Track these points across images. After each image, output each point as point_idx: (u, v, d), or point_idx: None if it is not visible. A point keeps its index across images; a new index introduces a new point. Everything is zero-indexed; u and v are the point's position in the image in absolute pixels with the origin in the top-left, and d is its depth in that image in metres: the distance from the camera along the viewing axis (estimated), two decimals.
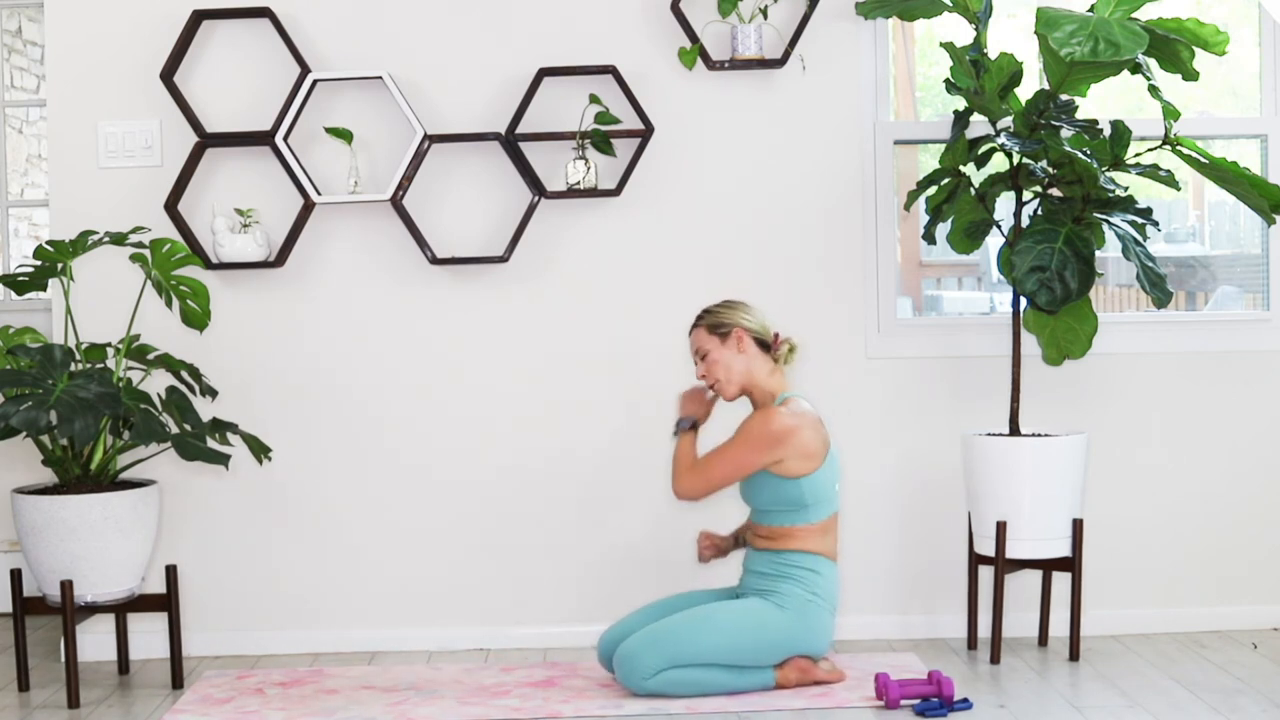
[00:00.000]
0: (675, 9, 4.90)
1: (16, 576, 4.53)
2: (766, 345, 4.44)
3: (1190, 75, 4.55)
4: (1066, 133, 4.64)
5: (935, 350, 5.05)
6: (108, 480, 4.54)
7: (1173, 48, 4.48)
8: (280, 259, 4.92)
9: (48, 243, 4.60)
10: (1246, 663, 4.63)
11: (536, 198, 4.92)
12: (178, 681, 4.59)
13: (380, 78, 4.88)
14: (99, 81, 4.96)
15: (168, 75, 4.89)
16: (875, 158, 5.02)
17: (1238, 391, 5.07)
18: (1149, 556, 5.07)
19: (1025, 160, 4.66)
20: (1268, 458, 5.08)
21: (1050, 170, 4.67)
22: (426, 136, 4.89)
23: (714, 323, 4.43)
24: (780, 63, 4.92)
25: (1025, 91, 4.74)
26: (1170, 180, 4.60)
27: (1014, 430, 4.75)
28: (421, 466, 5.02)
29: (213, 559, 5.01)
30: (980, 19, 4.64)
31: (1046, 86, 4.62)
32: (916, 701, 4.14)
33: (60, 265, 4.63)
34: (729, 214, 5.00)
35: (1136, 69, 4.53)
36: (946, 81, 4.76)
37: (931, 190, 4.83)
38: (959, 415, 5.00)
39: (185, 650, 4.94)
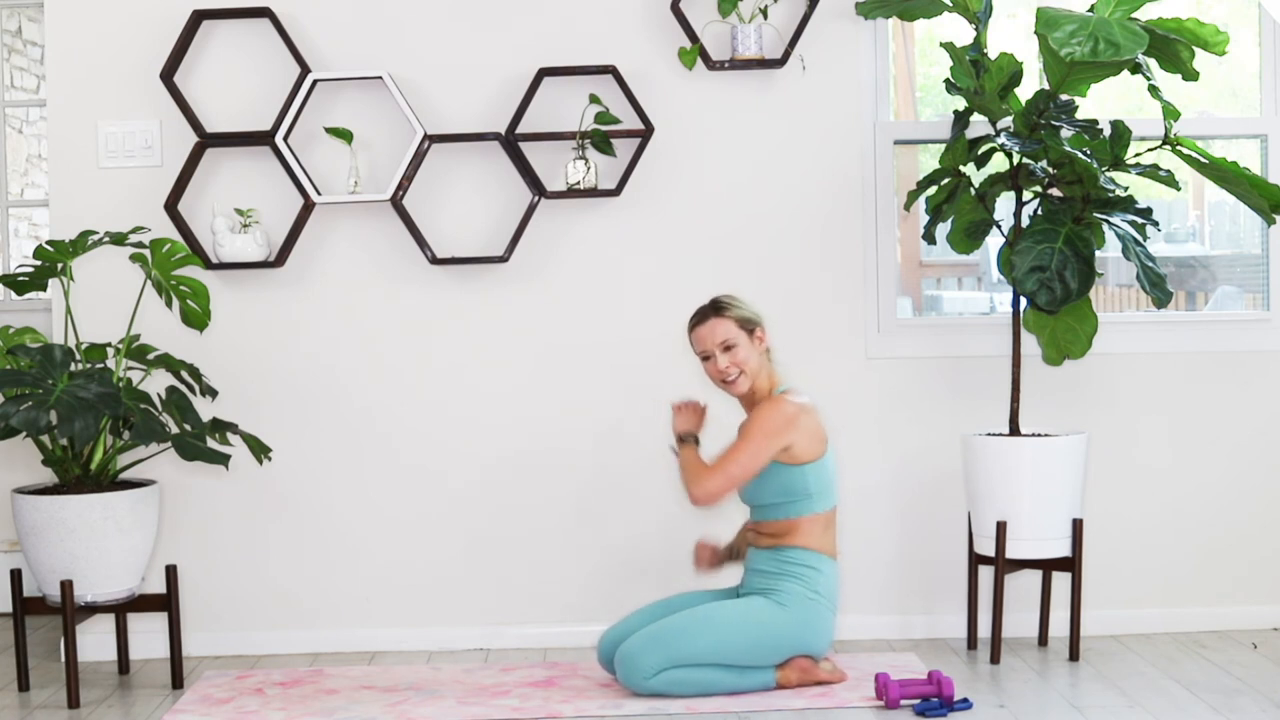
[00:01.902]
0: (675, 9, 4.90)
1: (16, 576, 4.53)
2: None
3: (1190, 75, 4.55)
4: (1066, 133, 4.64)
5: (935, 350, 5.05)
6: (108, 480, 4.54)
7: (1173, 48, 4.48)
8: (280, 259, 4.92)
9: (48, 243, 4.60)
10: (1246, 663, 4.63)
11: (536, 198, 4.92)
12: (178, 681, 4.59)
13: (380, 78, 4.88)
14: (99, 81, 4.96)
15: (168, 75, 4.89)
16: (875, 158, 5.02)
17: (1238, 391, 5.07)
18: (1149, 556, 5.07)
19: (1025, 160, 4.66)
20: (1267, 458, 5.08)
21: (1050, 170, 4.67)
22: (426, 136, 4.89)
23: (742, 316, 4.41)
24: (780, 63, 4.92)
25: (1025, 91, 4.74)
26: (1170, 180, 4.60)
27: (1014, 430, 4.75)
28: (421, 466, 5.02)
29: (213, 559, 5.01)
30: (980, 19, 4.64)
31: (1046, 86, 4.62)
32: (916, 701, 4.14)
33: (60, 265, 4.63)
34: (729, 214, 5.00)
35: (1136, 69, 4.53)
36: (946, 81, 4.76)
37: (931, 190, 4.83)
38: (959, 415, 5.00)
39: (185, 650, 4.94)
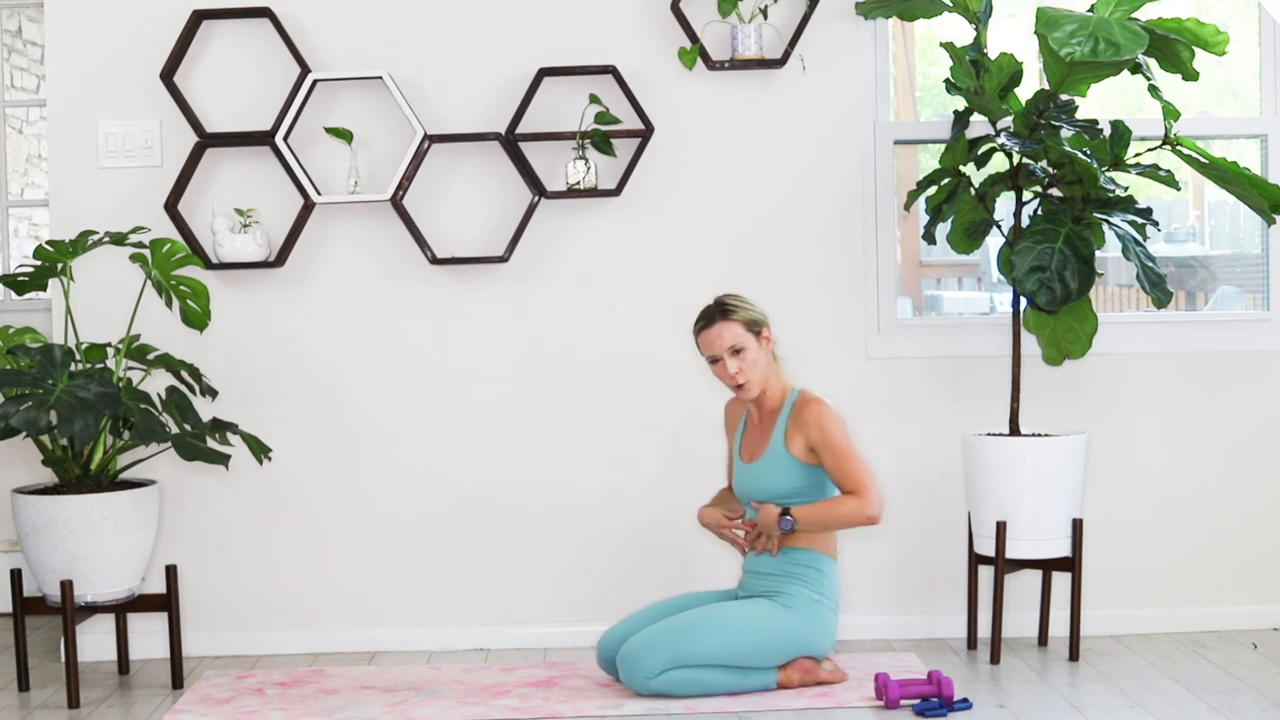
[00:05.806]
0: (675, 9, 4.90)
1: (16, 576, 4.53)
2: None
3: (1190, 75, 4.55)
4: (1066, 133, 4.64)
5: (935, 350, 5.05)
6: (108, 480, 4.54)
7: (1173, 48, 4.48)
8: (280, 259, 4.92)
9: (48, 243, 4.60)
10: (1246, 663, 4.63)
11: (536, 198, 4.92)
12: (178, 681, 4.59)
13: (380, 78, 4.88)
14: (99, 81, 4.96)
15: (168, 75, 4.89)
16: (875, 158, 5.02)
17: (1237, 391, 5.07)
18: (1149, 556, 5.07)
19: (1025, 160, 4.66)
20: (1267, 458, 5.08)
21: (1050, 170, 4.67)
22: (426, 136, 4.89)
23: (749, 318, 4.35)
24: (780, 63, 4.92)
25: (1025, 91, 4.74)
26: (1170, 180, 4.60)
27: (1014, 430, 4.75)
28: (422, 466, 5.02)
29: (213, 559, 5.01)
30: (980, 19, 4.64)
31: (1046, 86, 4.62)
32: (916, 701, 4.14)
33: (60, 265, 4.63)
34: (729, 214, 5.00)
35: (1136, 69, 4.53)
36: (946, 81, 4.76)
37: (931, 190, 4.83)
38: (959, 415, 5.00)
39: (185, 650, 4.94)
